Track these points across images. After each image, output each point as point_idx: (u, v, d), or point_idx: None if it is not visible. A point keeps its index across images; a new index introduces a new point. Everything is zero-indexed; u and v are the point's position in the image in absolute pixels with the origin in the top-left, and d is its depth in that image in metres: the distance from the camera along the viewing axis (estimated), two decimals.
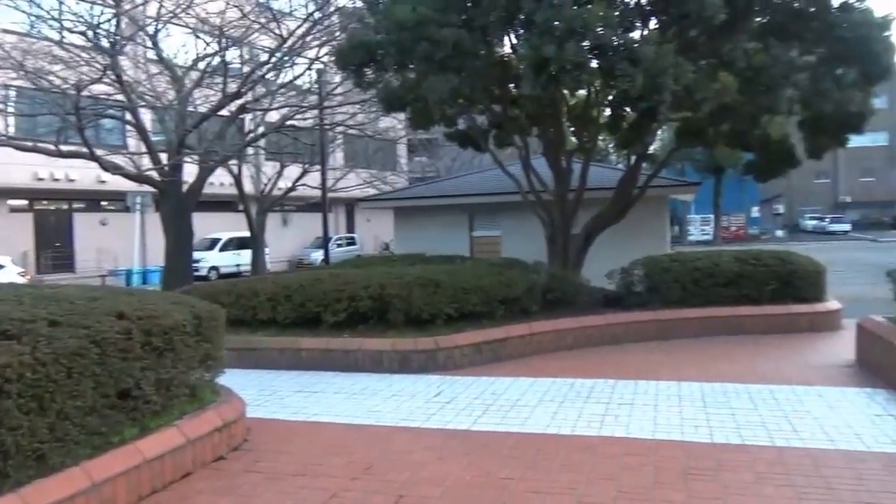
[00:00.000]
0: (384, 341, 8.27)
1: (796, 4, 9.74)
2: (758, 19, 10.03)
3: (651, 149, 13.73)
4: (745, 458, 4.92)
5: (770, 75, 9.46)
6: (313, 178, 23.67)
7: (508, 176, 12.29)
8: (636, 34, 9.65)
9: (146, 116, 17.59)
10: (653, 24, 10.16)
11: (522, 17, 8.94)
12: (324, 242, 24.76)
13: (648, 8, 9.87)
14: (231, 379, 6.29)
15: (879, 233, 52.58)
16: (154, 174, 15.66)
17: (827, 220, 57.82)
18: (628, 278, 10.62)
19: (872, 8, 10.01)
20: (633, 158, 12.14)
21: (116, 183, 20.32)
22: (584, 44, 8.34)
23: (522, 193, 12.08)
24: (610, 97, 10.74)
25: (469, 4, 9.63)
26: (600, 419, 5.95)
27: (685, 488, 4.40)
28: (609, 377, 7.47)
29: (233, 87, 15.71)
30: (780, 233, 54.43)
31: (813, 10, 9.98)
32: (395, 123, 25.23)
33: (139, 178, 16.00)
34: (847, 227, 55.53)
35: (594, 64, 8.89)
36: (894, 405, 6.17)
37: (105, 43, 15.17)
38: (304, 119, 20.09)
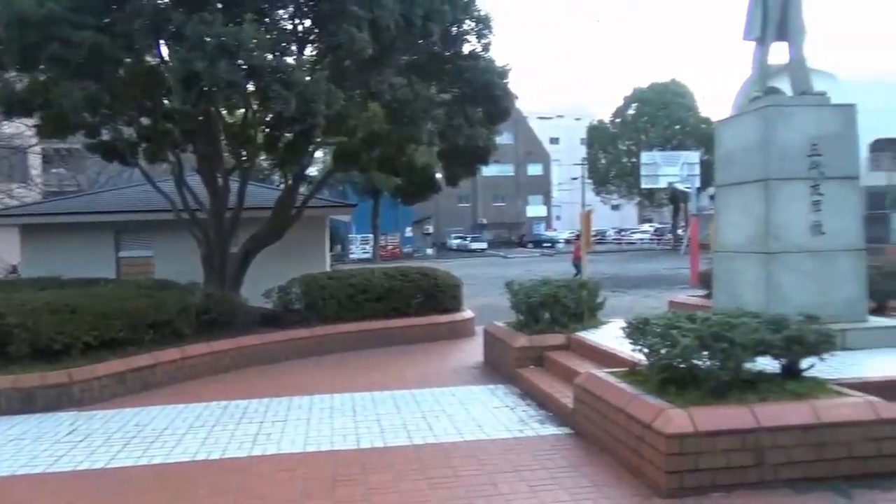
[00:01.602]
0: (3, 378, 7.16)
1: (434, 48, 10.86)
2: (404, 57, 10.97)
3: (313, 171, 14.09)
4: (388, 459, 5.32)
5: (412, 108, 10.45)
6: None
7: (160, 193, 11.60)
8: (293, 59, 9.87)
9: None
10: (310, 51, 10.51)
11: (172, 28, 8.54)
12: None
13: (305, 35, 10.18)
14: None
15: (509, 250, 61.26)
16: None
17: (468, 239, 65.17)
18: (286, 296, 10.76)
19: (494, 58, 11.69)
20: (291, 179, 12.34)
21: None
22: (238, 62, 8.26)
23: (176, 211, 11.47)
24: (267, 118, 10.82)
25: (114, 7, 8.93)
26: (252, 439, 5.93)
27: (331, 495, 4.61)
28: (264, 396, 7.48)
29: None
30: (430, 251, 59.78)
31: (448, 54, 11.31)
32: (23, 129, 22.04)
33: None
34: (484, 245, 63.31)
35: (250, 84, 8.89)
36: (510, 398, 7.22)
37: None
38: None
